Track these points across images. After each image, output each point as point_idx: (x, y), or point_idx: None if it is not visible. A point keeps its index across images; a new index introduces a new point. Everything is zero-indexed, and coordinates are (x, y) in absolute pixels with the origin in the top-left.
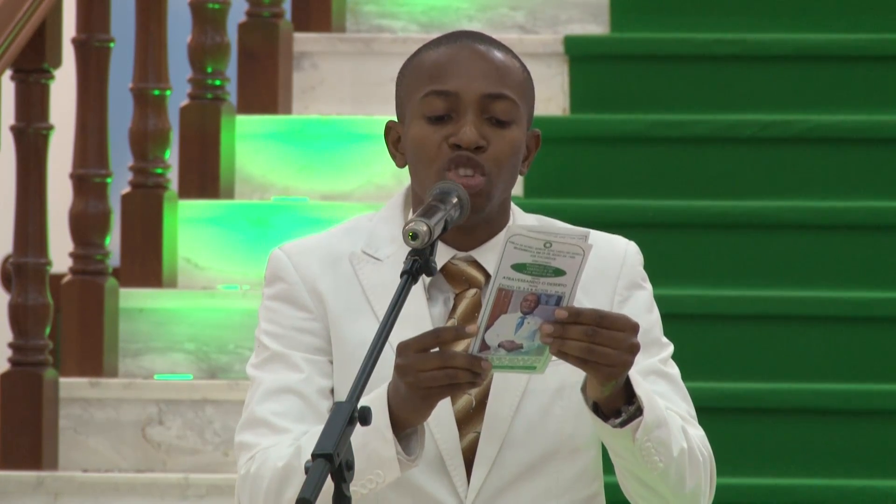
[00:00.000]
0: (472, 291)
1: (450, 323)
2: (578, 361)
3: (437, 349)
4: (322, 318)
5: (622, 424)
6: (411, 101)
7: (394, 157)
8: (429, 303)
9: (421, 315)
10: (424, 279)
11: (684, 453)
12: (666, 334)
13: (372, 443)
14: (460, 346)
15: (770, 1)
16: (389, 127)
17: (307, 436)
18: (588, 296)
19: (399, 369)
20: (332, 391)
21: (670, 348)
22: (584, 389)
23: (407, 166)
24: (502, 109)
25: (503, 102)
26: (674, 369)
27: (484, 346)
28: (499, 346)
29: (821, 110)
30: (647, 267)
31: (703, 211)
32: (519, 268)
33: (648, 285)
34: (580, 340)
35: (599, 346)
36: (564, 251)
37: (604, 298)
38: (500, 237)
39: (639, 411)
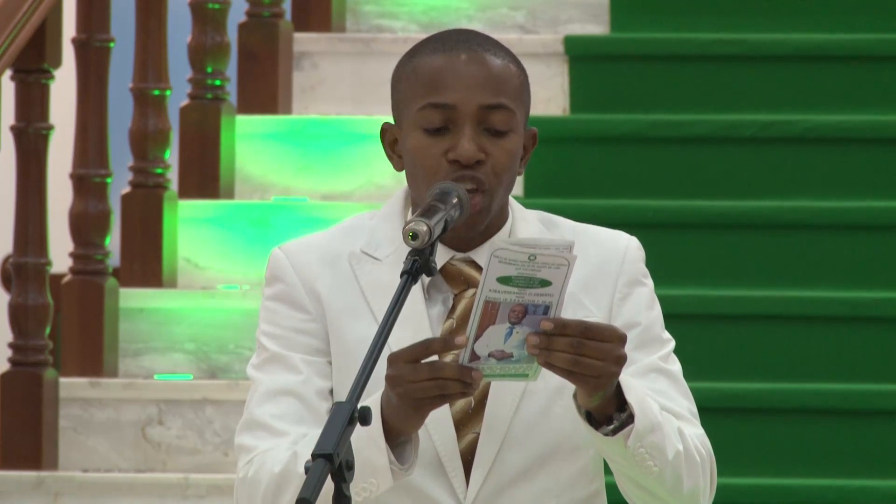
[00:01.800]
0: (471, 291)
1: (448, 323)
2: (565, 373)
3: (427, 360)
4: (320, 319)
5: (614, 432)
6: (409, 109)
7: (391, 159)
8: (427, 303)
9: (419, 315)
10: (423, 280)
11: (680, 455)
12: None
13: (365, 451)
14: (452, 356)
15: (770, 1)
16: (385, 129)
17: (305, 440)
18: (589, 292)
19: (390, 380)
20: (331, 392)
21: (671, 344)
22: (576, 397)
23: (404, 171)
24: (500, 120)
25: (500, 113)
26: (675, 366)
27: (474, 357)
28: (489, 355)
29: (821, 110)
30: (647, 267)
31: (703, 211)
32: (504, 280)
33: (649, 281)
34: (566, 352)
35: (585, 357)
36: (549, 263)
37: (604, 295)
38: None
39: (630, 418)
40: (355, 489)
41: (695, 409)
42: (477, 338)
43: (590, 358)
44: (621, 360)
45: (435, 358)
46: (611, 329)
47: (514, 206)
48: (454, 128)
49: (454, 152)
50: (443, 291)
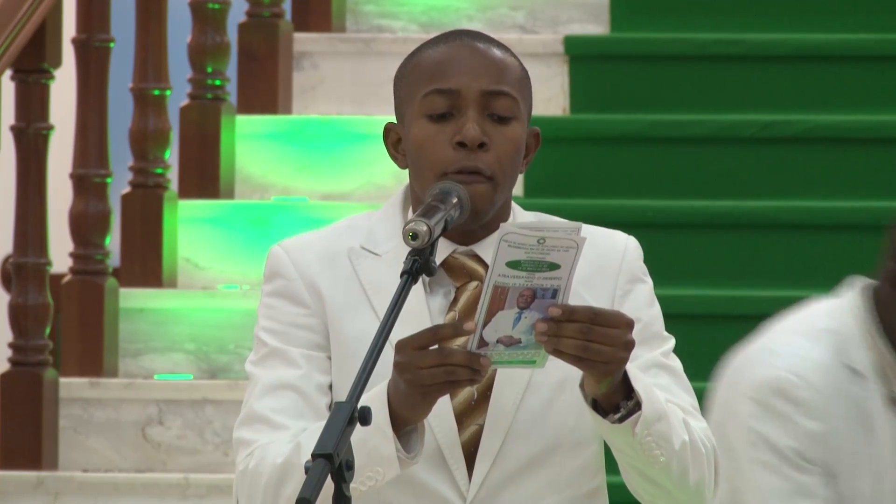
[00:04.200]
0: (474, 284)
1: (450, 315)
2: (574, 359)
3: (435, 346)
4: (320, 314)
5: (621, 420)
6: (412, 101)
7: (394, 158)
8: (429, 296)
9: (420, 310)
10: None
11: (686, 446)
12: None
13: (372, 440)
14: (460, 343)
15: (770, 1)
16: (388, 128)
17: (306, 433)
18: (589, 291)
19: (398, 367)
20: (330, 387)
21: (672, 342)
22: (582, 386)
23: (408, 167)
24: (503, 106)
25: (504, 99)
26: (676, 362)
27: (482, 343)
28: (497, 341)
29: (821, 110)
30: (646, 266)
31: (703, 211)
32: (513, 265)
33: (649, 279)
34: (575, 338)
35: (594, 343)
36: (558, 246)
37: (604, 293)
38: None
39: (637, 406)
40: (361, 479)
41: (697, 405)
42: (485, 323)
43: (598, 343)
44: (630, 346)
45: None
46: (619, 315)
47: (515, 207)
48: (458, 113)
49: (459, 135)
50: (444, 285)
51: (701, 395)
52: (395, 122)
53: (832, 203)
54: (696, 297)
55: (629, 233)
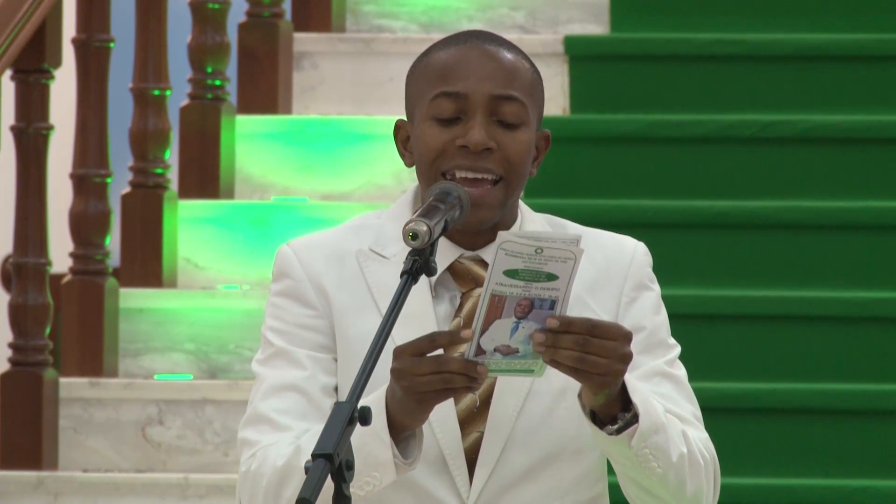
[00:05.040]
0: (479, 290)
1: (455, 321)
2: (571, 371)
3: (432, 353)
4: (327, 316)
5: (618, 431)
6: (421, 101)
7: (403, 156)
8: (435, 301)
9: (425, 314)
10: (431, 278)
11: (684, 458)
12: None
13: (369, 445)
14: (462, 350)
15: (770, 1)
16: (399, 126)
17: (307, 435)
18: (595, 296)
19: (395, 373)
20: (335, 389)
21: (677, 349)
22: (580, 396)
23: (414, 167)
24: (511, 111)
25: (512, 104)
26: (680, 371)
27: (480, 351)
28: (494, 350)
29: (821, 110)
30: None
31: (703, 211)
32: (511, 273)
33: (656, 286)
34: (572, 350)
35: (591, 355)
36: (556, 256)
37: (610, 299)
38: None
39: (635, 418)
40: (358, 483)
41: (699, 414)
42: (483, 332)
43: (595, 356)
44: (627, 358)
45: (440, 352)
46: (616, 327)
47: (523, 208)
48: (465, 118)
49: (463, 138)
50: (450, 290)
51: (702, 395)
52: (404, 119)
53: (832, 203)
54: (696, 297)
55: (629, 233)
